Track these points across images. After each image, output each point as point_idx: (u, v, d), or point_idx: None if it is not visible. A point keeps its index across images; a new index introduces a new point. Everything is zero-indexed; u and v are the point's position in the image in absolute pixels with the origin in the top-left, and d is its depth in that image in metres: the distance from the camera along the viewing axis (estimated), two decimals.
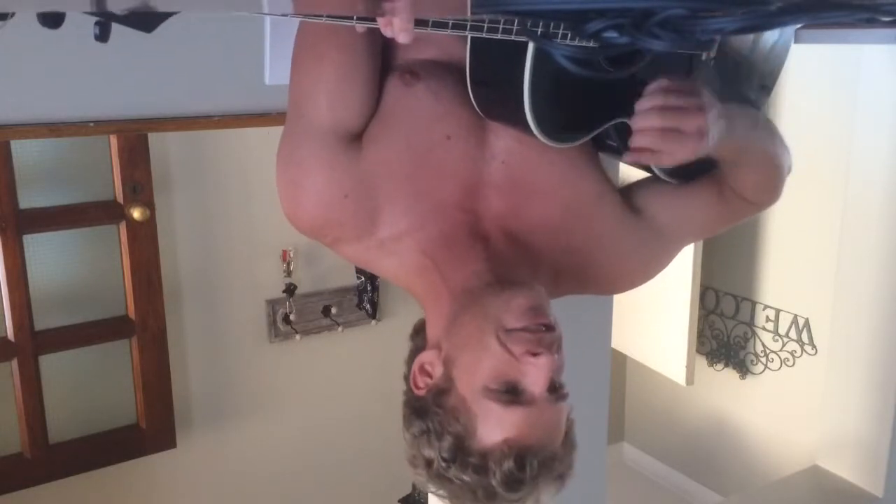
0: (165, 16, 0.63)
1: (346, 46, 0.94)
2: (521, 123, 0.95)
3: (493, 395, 0.90)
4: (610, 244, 1.09)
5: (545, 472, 0.91)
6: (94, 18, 0.59)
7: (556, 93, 0.94)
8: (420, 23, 0.75)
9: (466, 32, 0.79)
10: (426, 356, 0.98)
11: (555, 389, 0.92)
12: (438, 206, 1.01)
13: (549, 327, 0.92)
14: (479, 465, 0.90)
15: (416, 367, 0.99)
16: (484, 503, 0.92)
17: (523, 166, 1.03)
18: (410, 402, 0.98)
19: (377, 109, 1.00)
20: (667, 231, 1.12)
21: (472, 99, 1.00)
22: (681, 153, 0.95)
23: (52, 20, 0.58)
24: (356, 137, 1.00)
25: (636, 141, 0.93)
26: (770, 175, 1.12)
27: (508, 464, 0.89)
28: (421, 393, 0.97)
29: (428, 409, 0.95)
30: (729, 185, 1.11)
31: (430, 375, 0.97)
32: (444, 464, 0.92)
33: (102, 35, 0.60)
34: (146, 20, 0.62)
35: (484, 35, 0.80)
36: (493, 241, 1.02)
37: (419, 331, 1.05)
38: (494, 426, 0.90)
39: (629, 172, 1.17)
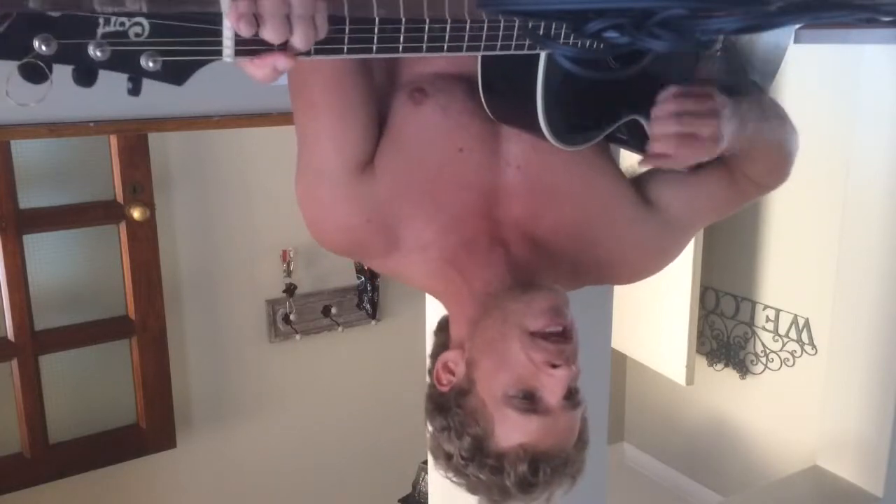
0: (196, 67, 0.65)
1: (334, 87, 0.95)
2: (535, 129, 0.96)
3: (512, 401, 0.93)
4: (626, 238, 1.11)
5: (557, 475, 0.95)
6: (126, 74, 0.62)
7: (569, 97, 0.95)
8: (414, 46, 0.75)
9: (478, 52, 0.80)
10: (450, 355, 1.02)
11: (570, 396, 0.95)
12: (458, 216, 1.03)
13: (567, 336, 0.94)
14: (495, 466, 0.94)
15: (439, 364, 1.02)
16: (498, 499, 0.96)
17: (538, 170, 1.05)
18: (433, 397, 1.02)
19: (389, 130, 1.02)
20: (680, 219, 1.14)
21: (485, 106, 1.00)
22: (696, 157, 0.98)
23: (87, 79, 0.60)
24: (368, 163, 1.01)
25: (654, 147, 0.96)
26: (778, 161, 1.13)
27: (522, 468, 0.92)
28: (444, 390, 1.01)
29: (449, 406, 0.99)
30: (739, 170, 1.13)
31: (453, 373, 1.00)
32: (462, 461, 0.96)
33: (135, 89, 0.62)
34: (177, 73, 0.64)
35: (497, 52, 0.80)
36: (513, 245, 1.04)
37: (443, 327, 1.08)
38: (511, 431, 0.94)
39: (633, 161, 1.17)
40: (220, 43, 0.65)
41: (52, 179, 2.80)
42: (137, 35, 0.60)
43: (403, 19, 0.73)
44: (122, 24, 0.59)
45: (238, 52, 0.66)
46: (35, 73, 0.58)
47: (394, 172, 1.01)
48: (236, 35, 0.65)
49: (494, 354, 0.95)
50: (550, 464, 0.93)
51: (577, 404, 0.95)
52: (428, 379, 1.05)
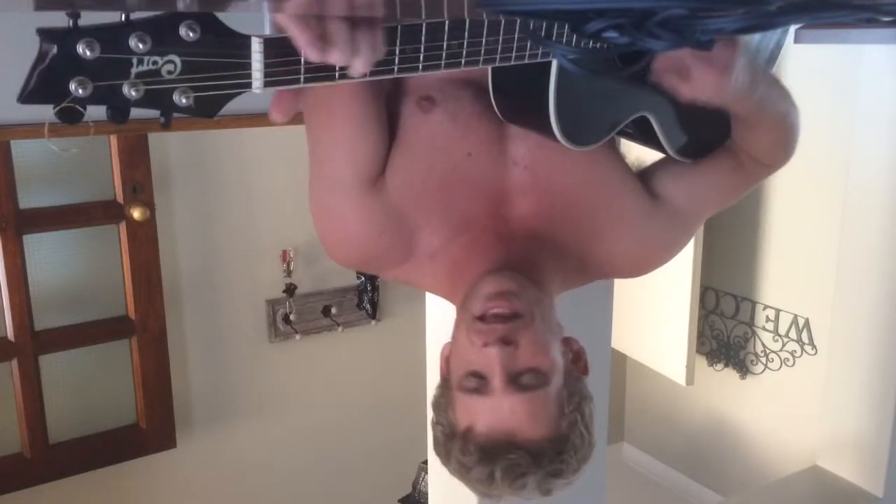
0: (226, 100, 0.66)
1: (353, 98, 0.95)
2: (546, 131, 0.96)
3: (462, 384, 0.96)
4: (634, 231, 1.12)
5: (500, 461, 0.92)
6: (159, 111, 0.64)
7: (580, 99, 0.96)
8: (433, 64, 0.76)
9: (510, 63, 0.80)
10: (445, 348, 1.04)
11: (515, 380, 0.93)
12: (467, 220, 1.04)
13: (505, 317, 0.94)
14: (461, 447, 0.95)
15: (441, 357, 1.05)
16: (473, 485, 0.97)
17: (545, 168, 1.05)
18: (435, 391, 1.05)
19: (398, 141, 1.02)
20: (686, 209, 1.14)
21: (496, 108, 1.01)
22: (703, 83, 0.93)
23: (121, 116, 0.61)
24: (380, 175, 1.01)
25: (663, 61, 0.93)
26: (783, 135, 1.13)
27: (467, 448, 0.94)
28: (441, 381, 1.04)
29: (438, 396, 1.02)
30: (744, 151, 1.13)
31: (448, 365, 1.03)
32: (439, 446, 0.99)
33: (167, 123, 0.64)
34: (209, 107, 0.65)
35: (504, 64, 0.81)
36: (515, 241, 1.05)
37: None
38: (462, 413, 0.96)
39: (642, 155, 1.18)
40: (249, 76, 0.66)
41: (52, 179, 2.80)
42: (170, 72, 0.62)
43: (446, 36, 0.74)
44: (155, 62, 0.61)
45: (267, 84, 0.67)
46: (71, 115, 0.59)
47: (404, 182, 1.01)
48: (265, 66, 0.66)
49: (454, 341, 0.99)
50: (484, 444, 0.92)
51: (524, 388, 0.93)
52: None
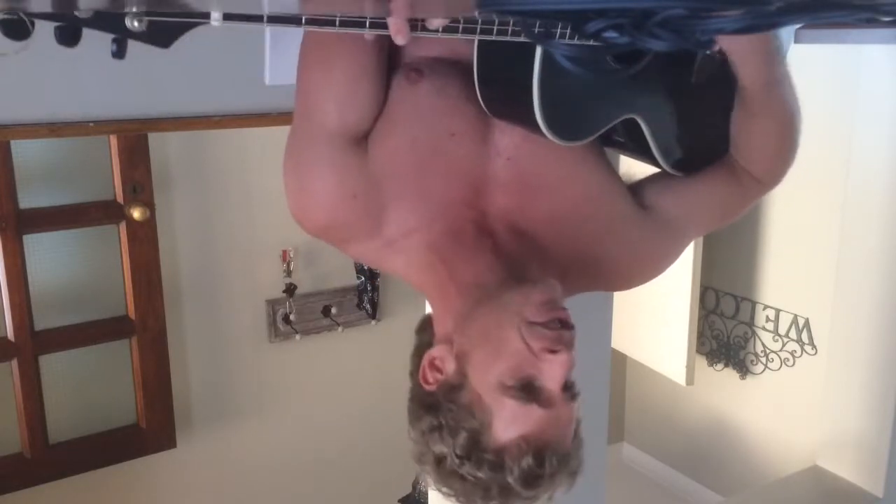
0: (183, 30, 0.63)
1: (353, 48, 0.94)
2: (529, 122, 0.95)
3: (510, 391, 0.89)
4: (619, 240, 1.09)
5: (562, 469, 0.91)
6: (111, 36, 0.60)
7: (565, 91, 0.94)
8: (422, 27, 0.75)
9: (474, 36, 0.79)
10: (436, 351, 0.97)
11: (568, 388, 0.92)
12: (445, 203, 1.01)
13: (566, 324, 0.92)
14: (494, 462, 0.90)
15: (425, 362, 0.98)
16: (497, 500, 0.91)
17: (530, 163, 1.03)
18: (418, 398, 0.98)
19: (384, 111, 1.00)
20: (677, 224, 1.12)
21: (480, 98, 0.99)
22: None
23: (70, 38, 0.58)
24: (363, 138, 0.99)
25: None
26: (783, 137, 1.11)
27: (527, 461, 0.89)
28: (431, 388, 0.96)
29: (439, 404, 0.94)
30: (740, 164, 1.11)
31: (440, 371, 0.96)
32: (457, 460, 0.91)
33: (119, 52, 0.61)
34: (163, 35, 0.62)
35: (490, 38, 0.80)
36: (500, 236, 1.02)
37: (425, 326, 1.04)
38: (511, 423, 0.90)
39: (635, 168, 1.17)
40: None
41: (52, 179, 2.80)
42: None
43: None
44: None
45: (226, 17, 0.64)
46: (17, 28, 0.56)
47: (385, 151, 0.99)
48: None
49: (489, 344, 0.92)
50: (555, 454, 0.90)
51: (574, 396, 0.92)
52: (410, 381, 1.01)
